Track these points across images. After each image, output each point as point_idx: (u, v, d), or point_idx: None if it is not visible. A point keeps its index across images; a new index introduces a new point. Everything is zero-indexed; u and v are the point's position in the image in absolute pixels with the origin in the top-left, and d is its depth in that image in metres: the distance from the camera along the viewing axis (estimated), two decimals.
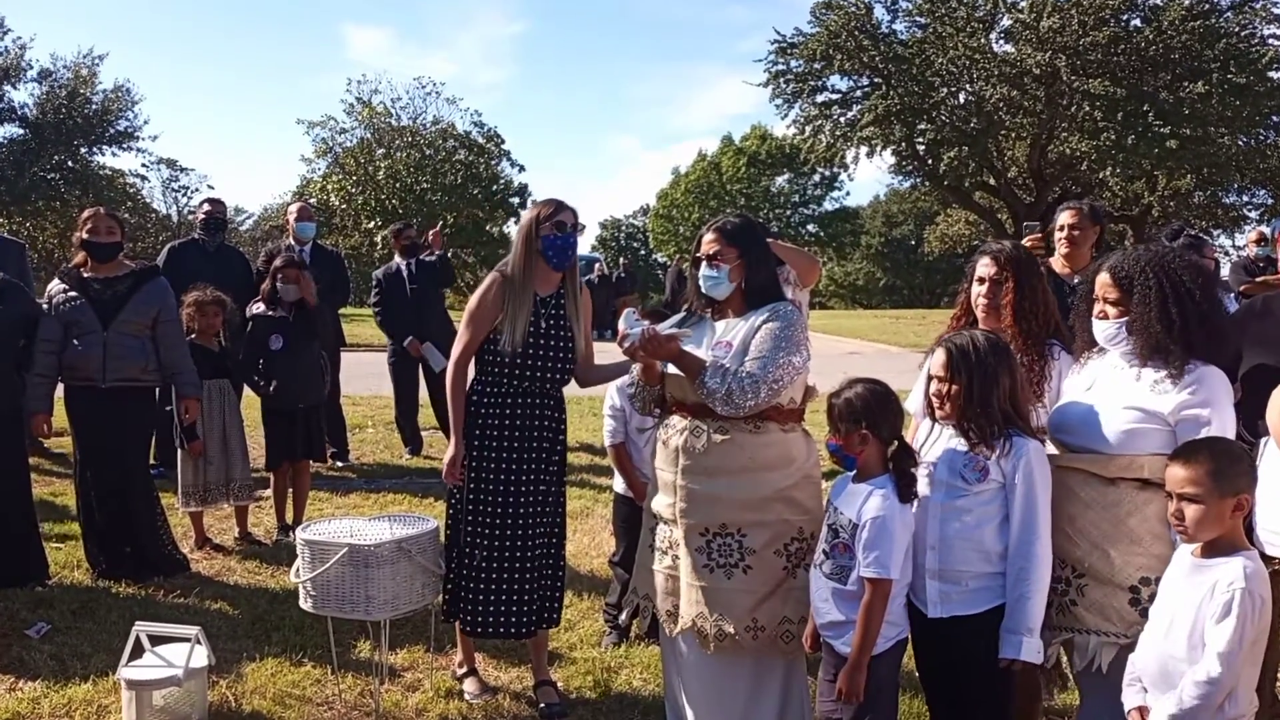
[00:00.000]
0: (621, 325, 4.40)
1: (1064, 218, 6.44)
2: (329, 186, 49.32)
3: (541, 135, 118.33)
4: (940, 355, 3.93)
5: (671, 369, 4.47)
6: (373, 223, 48.34)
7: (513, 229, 51.65)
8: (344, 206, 49.10)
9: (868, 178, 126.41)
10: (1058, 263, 6.45)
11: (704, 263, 4.48)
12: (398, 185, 48.96)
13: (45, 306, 6.78)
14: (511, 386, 5.14)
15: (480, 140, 52.71)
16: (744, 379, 4.22)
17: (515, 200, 53.26)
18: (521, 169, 53.89)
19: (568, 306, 5.26)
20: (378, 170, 49.34)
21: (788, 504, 4.35)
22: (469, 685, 5.41)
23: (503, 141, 53.47)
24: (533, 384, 5.15)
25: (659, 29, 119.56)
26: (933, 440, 4.03)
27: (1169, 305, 3.71)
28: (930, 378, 3.99)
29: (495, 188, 52.30)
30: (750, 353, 4.29)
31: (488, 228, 53.24)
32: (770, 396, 4.23)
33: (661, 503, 4.54)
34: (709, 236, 4.52)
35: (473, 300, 5.24)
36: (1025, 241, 6.19)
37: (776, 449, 4.35)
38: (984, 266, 4.49)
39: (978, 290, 4.51)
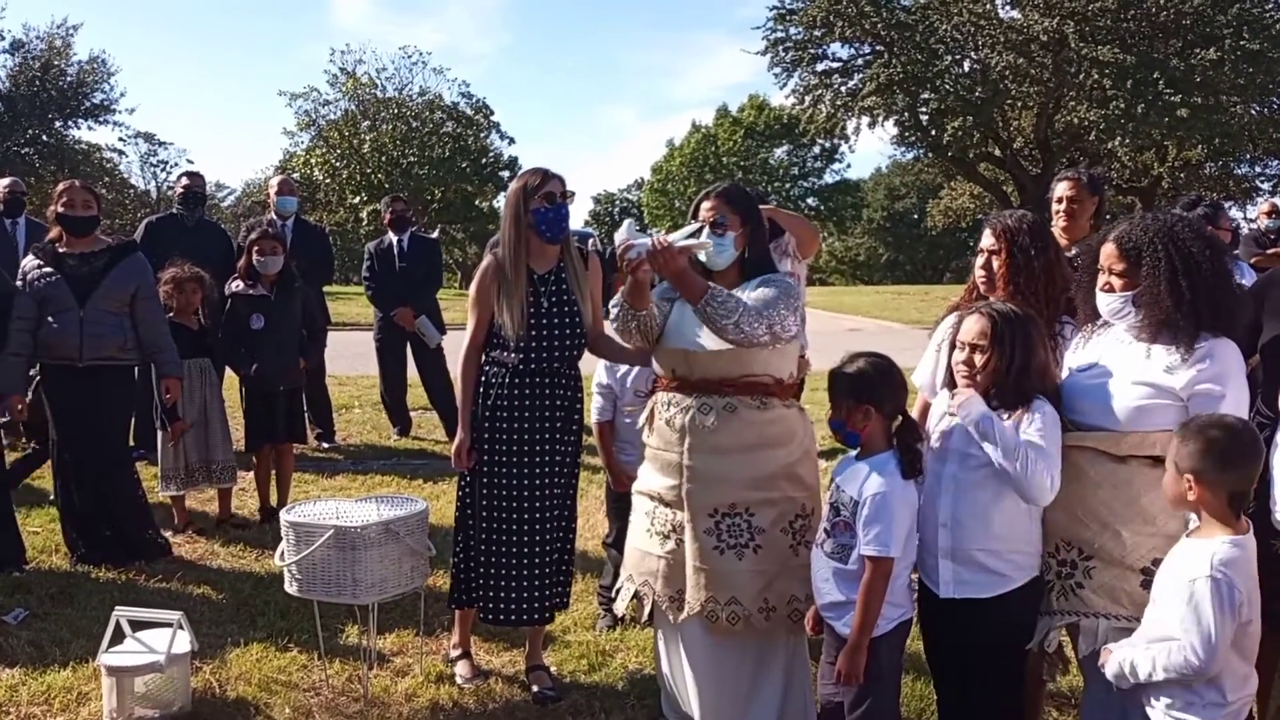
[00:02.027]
0: (621, 235, 4.30)
1: (1061, 189, 6.37)
2: (312, 160, 49.39)
3: (532, 106, 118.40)
4: (979, 323, 3.88)
5: (673, 341, 4.47)
6: (358, 198, 48.43)
7: (503, 203, 51.59)
8: (328, 181, 49.21)
9: (869, 149, 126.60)
10: (1056, 234, 6.43)
11: (706, 229, 4.41)
12: (383, 159, 48.99)
13: (19, 283, 6.72)
14: (521, 368, 5.05)
15: (469, 112, 52.80)
16: (750, 308, 4.20)
17: (505, 174, 53.35)
18: (511, 141, 54.17)
19: (569, 280, 5.17)
20: (363, 143, 49.34)
21: (792, 480, 4.39)
22: (461, 668, 5.40)
23: (492, 113, 53.69)
24: (541, 364, 5.06)
25: None
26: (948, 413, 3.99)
27: (1179, 278, 3.67)
28: (960, 346, 3.95)
29: (484, 161, 52.41)
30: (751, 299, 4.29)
31: (477, 202, 53.33)
32: (770, 337, 4.22)
33: (661, 484, 4.50)
34: (710, 203, 4.47)
35: (472, 287, 5.22)
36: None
37: (781, 425, 4.38)
38: (985, 239, 4.48)
39: (977, 262, 4.51)
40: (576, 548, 5.27)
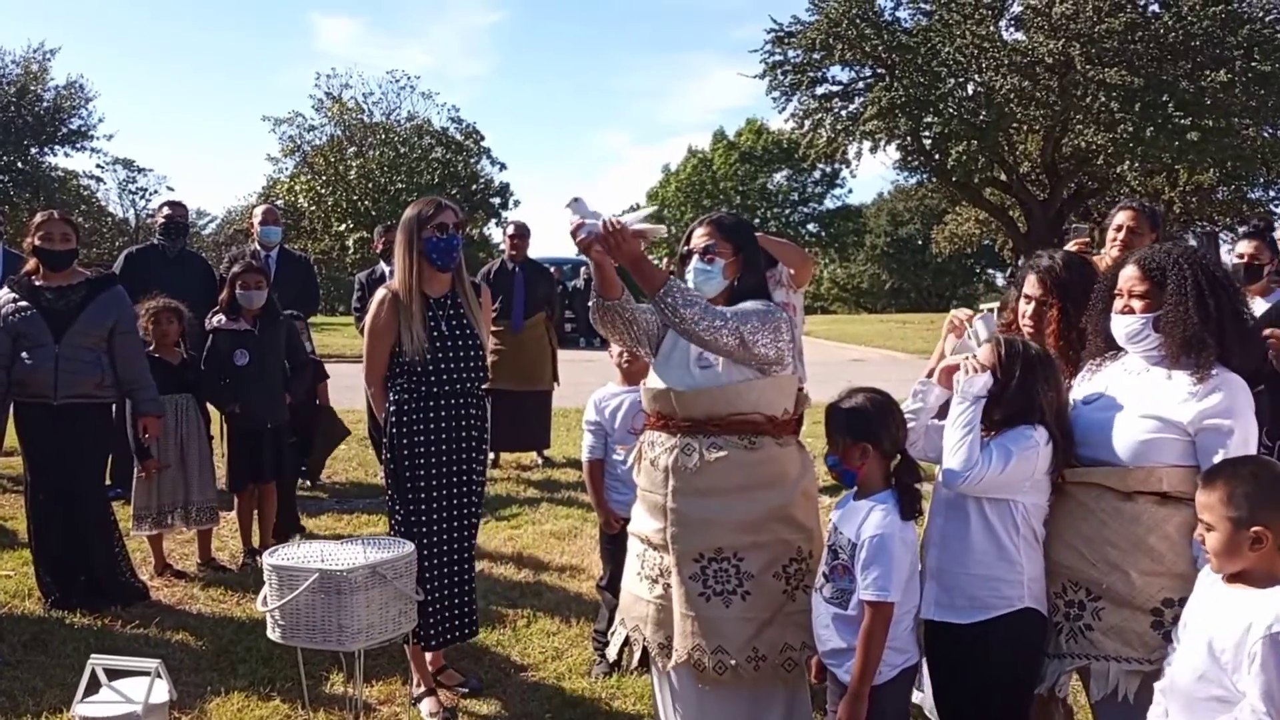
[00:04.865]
0: (572, 215, 4.28)
1: (1121, 217, 6.37)
2: (297, 187, 49.39)
3: (524, 131, 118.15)
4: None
5: (656, 380, 4.48)
6: (344, 225, 48.43)
7: (495, 231, 51.83)
8: (313, 209, 49.14)
9: (871, 174, 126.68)
10: (1105, 264, 6.42)
11: (695, 257, 4.45)
12: (371, 185, 48.96)
13: None
14: (429, 391, 5.38)
15: (458, 137, 52.87)
16: (717, 310, 4.17)
17: (496, 200, 53.50)
18: (502, 167, 54.19)
19: (463, 305, 5.52)
20: (349, 170, 49.36)
21: (785, 523, 4.32)
22: (427, 705, 5.49)
23: (482, 138, 53.71)
24: (449, 385, 5.40)
25: (648, 16, 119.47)
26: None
27: (1206, 298, 3.69)
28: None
29: (475, 187, 52.35)
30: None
31: (467, 229, 53.29)
32: (742, 350, 4.16)
33: (649, 527, 4.48)
34: (702, 230, 4.50)
35: (367, 319, 5.52)
36: (1071, 245, 6.14)
37: (772, 465, 4.31)
38: (1030, 285, 4.44)
39: (1024, 308, 4.47)
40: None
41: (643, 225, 4.27)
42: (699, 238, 4.49)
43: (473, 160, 53.37)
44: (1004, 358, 3.88)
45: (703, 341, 4.16)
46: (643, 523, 4.55)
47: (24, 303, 6.67)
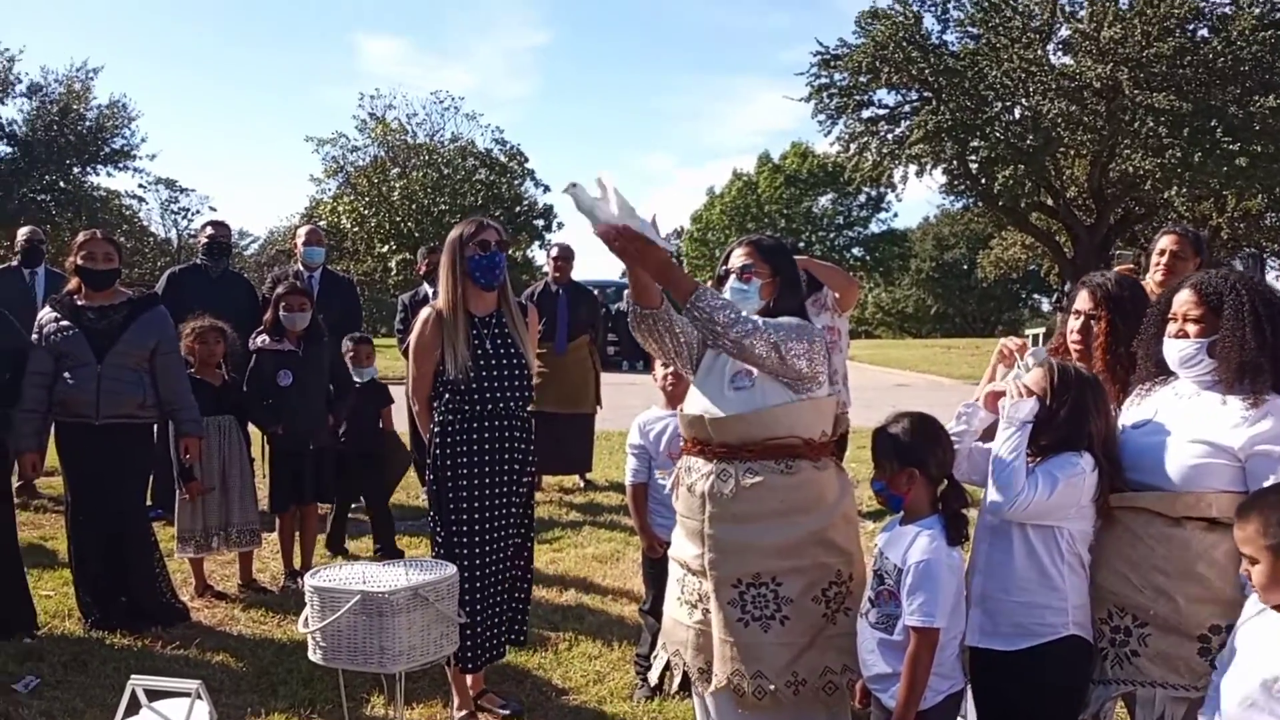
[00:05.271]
0: (581, 201, 4.23)
1: (1165, 242, 6.36)
2: (340, 208, 49.50)
3: (568, 152, 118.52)
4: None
5: (692, 405, 4.46)
6: (386, 247, 48.54)
7: (538, 253, 51.99)
8: (356, 229, 49.27)
9: (917, 198, 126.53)
10: (1150, 289, 6.40)
11: (733, 276, 4.48)
12: (414, 207, 49.05)
13: (35, 336, 6.74)
14: (473, 411, 5.38)
15: (502, 159, 52.90)
16: (751, 319, 4.16)
17: (540, 222, 53.49)
18: (546, 189, 53.99)
19: (509, 325, 5.53)
20: (392, 191, 49.44)
21: (824, 546, 4.30)
22: None
23: (526, 160, 53.64)
24: (492, 406, 5.39)
25: (693, 38, 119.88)
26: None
27: (1263, 322, 3.68)
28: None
29: (518, 209, 52.37)
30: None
31: (510, 252, 53.45)
32: (777, 361, 4.14)
33: (688, 552, 4.48)
34: (740, 250, 4.53)
35: (412, 338, 5.57)
36: (1116, 269, 6.12)
37: (810, 489, 4.28)
38: (1081, 300, 4.45)
39: (1072, 325, 4.49)
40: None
41: (633, 221, 4.18)
42: (737, 258, 4.51)
43: (516, 182, 53.43)
44: (1055, 383, 3.86)
45: (735, 348, 4.14)
46: (682, 548, 4.54)
47: (66, 322, 6.68)
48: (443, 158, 51.16)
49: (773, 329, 4.15)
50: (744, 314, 4.16)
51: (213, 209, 60.38)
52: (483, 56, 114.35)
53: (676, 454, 5.18)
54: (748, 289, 4.43)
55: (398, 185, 49.63)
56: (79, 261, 6.77)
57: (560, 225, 53.97)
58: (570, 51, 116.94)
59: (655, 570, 5.88)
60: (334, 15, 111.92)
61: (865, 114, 37.57)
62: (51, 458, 7.04)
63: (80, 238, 6.93)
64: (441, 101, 53.49)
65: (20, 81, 41.27)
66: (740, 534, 4.26)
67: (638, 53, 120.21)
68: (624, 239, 4.15)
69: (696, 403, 4.45)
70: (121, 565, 6.87)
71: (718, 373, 4.41)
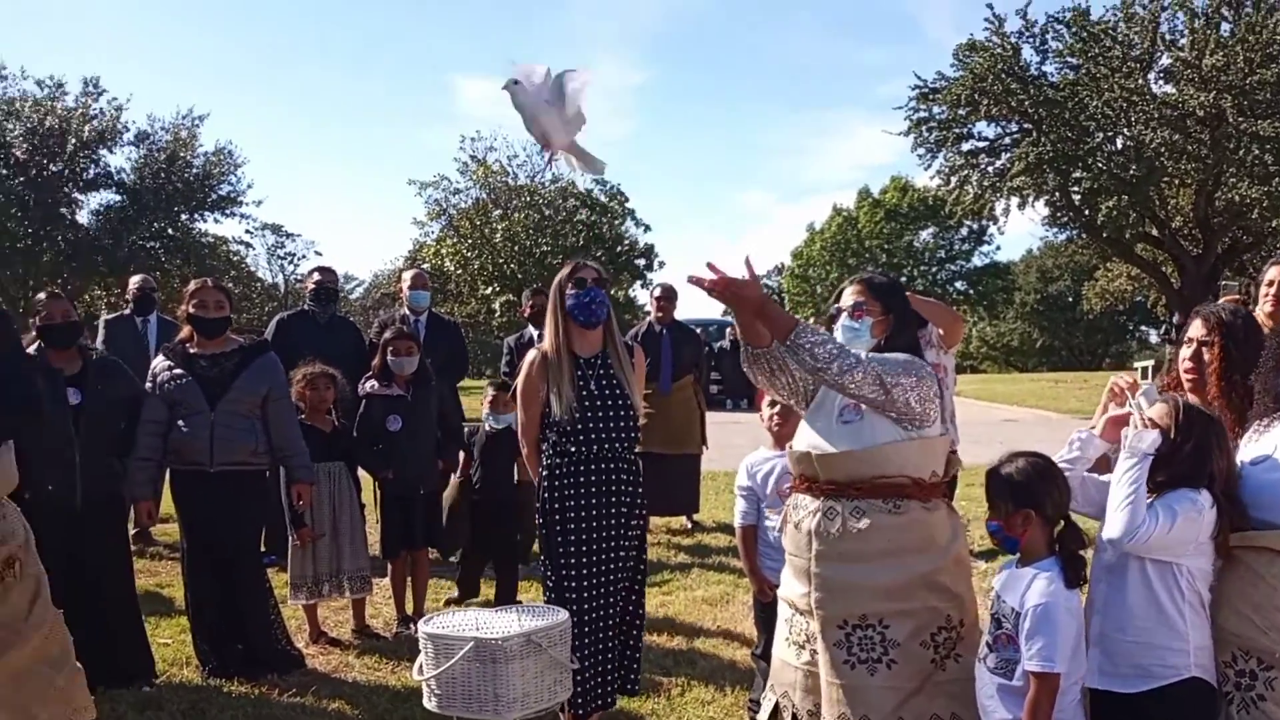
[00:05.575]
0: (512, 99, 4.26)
1: (1274, 272, 6.23)
2: (443, 250, 50.03)
3: (667, 191, 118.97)
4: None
5: (801, 441, 4.45)
6: (490, 288, 49.01)
7: (640, 293, 52.29)
8: (459, 271, 49.74)
9: (1019, 230, 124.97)
10: (1260, 320, 6.27)
11: (844, 314, 4.46)
12: (516, 248, 49.41)
13: (149, 385, 6.82)
14: (579, 454, 5.38)
15: (603, 199, 53.21)
16: (856, 355, 4.14)
17: (641, 262, 53.71)
18: (647, 229, 54.39)
19: (614, 366, 5.52)
20: (494, 232, 49.82)
21: (934, 590, 4.23)
22: None
23: (626, 200, 53.93)
24: (599, 448, 5.39)
25: (789, 75, 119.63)
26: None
27: None
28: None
29: (620, 249, 52.67)
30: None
31: (612, 291, 53.66)
32: (884, 397, 4.11)
33: (795, 591, 4.44)
34: (853, 288, 4.52)
35: (519, 381, 5.61)
36: (1223, 300, 6.00)
37: (919, 530, 4.23)
38: (1194, 328, 4.38)
39: (1184, 353, 4.41)
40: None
41: (575, 156, 4.26)
42: (848, 295, 4.50)
43: (617, 222, 53.80)
44: (1180, 419, 3.78)
45: (839, 384, 4.11)
46: (790, 587, 4.51)
47: (179, 370, 6.75)
48: (544, 199, 51.49)
49: (877, 363, 4.12)
50: (846, 349, 4.14)
51: (318, 253, 61.30)
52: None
53: (784, 493, 5.15)
54: (859, 327, 4.40)
55: (500, 227, 50.04)
56: (191, 310, 6.85)
57: (662, 264, 54.45)
58: (668, 91, 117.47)
59: (766, 614, 5.77)
60: (431, 57, 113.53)
61: (965, 147, 37.41)
62: (166, 504, 7.09)
63: (192, 286, 7.01)
64: None
65: (128, 130, 41.93)
66: (847, 573, 4.23)
67: (734, 90, 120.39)
68: (719, 284, 4.17)
69: (805, 438, 4.45)
70: (237, 613, 6.89)
71: (827, 408, 4.39)
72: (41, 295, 6.71)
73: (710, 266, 4.20)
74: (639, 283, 54.03)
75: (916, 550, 4.21)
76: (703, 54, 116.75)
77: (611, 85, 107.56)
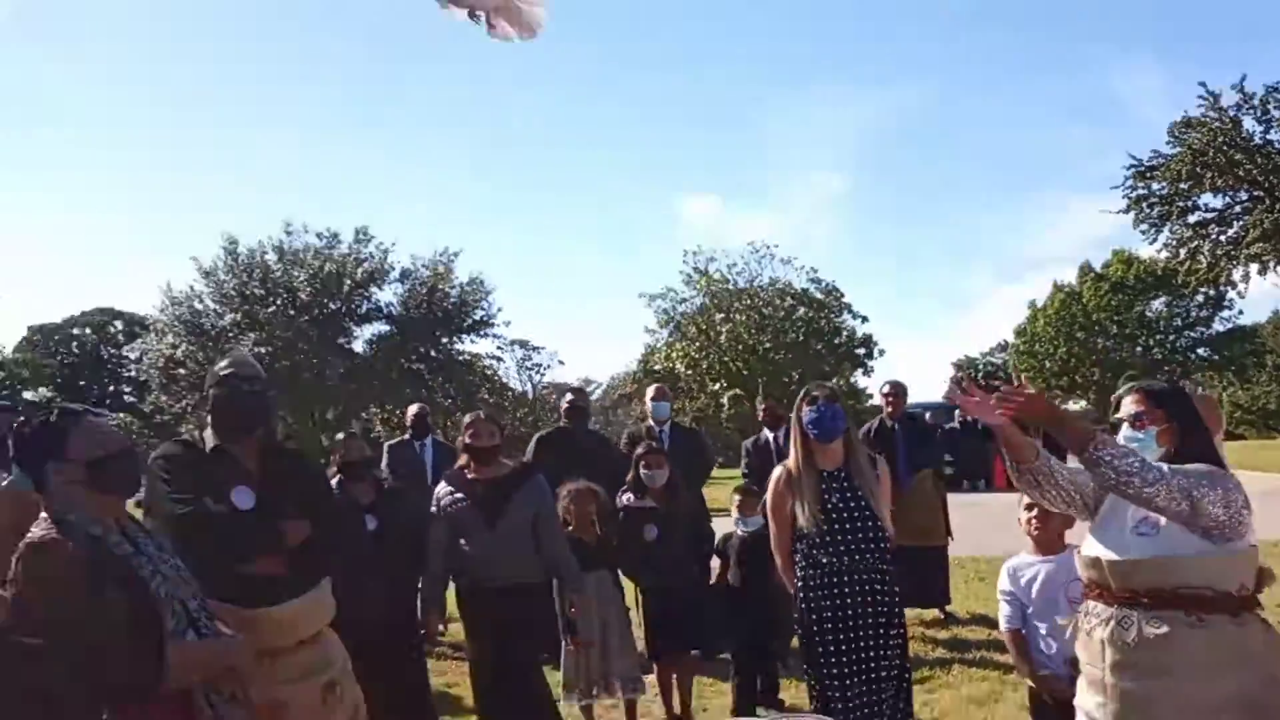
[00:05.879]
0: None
1: None
2: (673, 354, 52.20)
3: (884, 277, 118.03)
4: None
5: (1090, 548, 4.26)
6: (717, 384, 51.01)
7: (861, 379, 53.35)
8: (689, 371, 51.66)
9: (1261, 291, 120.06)
10: None
11: (1125, 425, 4.28)
12: (740, 347, 51.23)
13: (434, 508, 7.39)
14: (832, 565, 5.66)
15: (819, 295, 54.16)
16: (1159, 468, 3.93)
17: (860, 351, 54.76)
18: (864, 320, 55.09)
19: (857, 480, 5.81)
20: (719, 334, 51.55)
21: (1250, 711, 3.90)
22: None
23: (842, 295, 54.85)
24: (848, 560, 5.65)
25: (994, 159, 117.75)
26: None
27: None
28: None
29: (838, 340, 53.67)
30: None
31: (834, 381, 54.20)
32: (1190, 512, 3.88)
33: (1090, 702, 4.22)
34: (1131, 397, 4.34)
35: (768, 496, 5.99)
36: None
37: (1227, 646, 3.93)
38: None
39: None
40: None
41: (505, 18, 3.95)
42: (1127, 405, 4.34)
43: (834, 315, 54.62)
44: None
45: (1143, 499, 3.92)
46: (1084, 697, 4.28)
47: (460, 494, 7.31)
48: (763, 300, 52.69)
49: (1182, 475, 3.92)
50: (1148, 461, 3.95)
51: (561, 363, 65.01)
52: (794, 198, 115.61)
53: (1074, 599, 4.90)
54: (1144, 437, 4.21)
55: (724, 329, 51.54)
56: (467, 440, 7.41)
57: (881, 353, 55.43)
58: (876, 187, 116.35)
59: (1043, 716, 5.62)
60: (655, 180, 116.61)
61: (1192, 219, 36.73)
62: (450, 606, 7.62)
63: (467, 419, 7.63)
64: (758, 250, 54.78)
65: (394, 269, 45.56)
66: (1145, 687, 3.99)
67: (942, 177, 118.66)
68: (1010, 410, 4.09)
69: (1095, 545, 4.25)
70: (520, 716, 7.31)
71: (1119, 516, 4.20)
72: (340, 434, 7.42)
73: (970, 389, 4.25)
74: (860, 370, 55.84)
75: (1225, 666, 3.91)
76: (903, 155, 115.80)
77: (819, 186, 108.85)
